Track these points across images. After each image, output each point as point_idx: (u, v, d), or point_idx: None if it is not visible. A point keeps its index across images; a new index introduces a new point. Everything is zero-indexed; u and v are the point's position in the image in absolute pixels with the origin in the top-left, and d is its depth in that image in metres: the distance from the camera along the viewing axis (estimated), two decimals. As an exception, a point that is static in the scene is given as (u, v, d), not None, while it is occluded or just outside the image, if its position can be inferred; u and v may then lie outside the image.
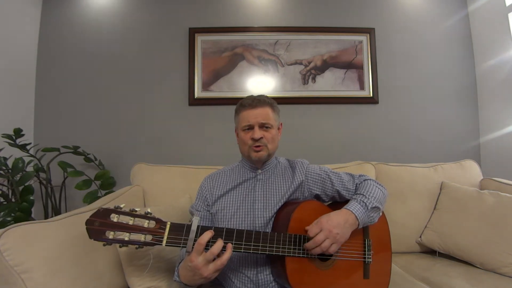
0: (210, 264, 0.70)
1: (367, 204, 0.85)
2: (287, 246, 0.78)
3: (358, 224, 0.83)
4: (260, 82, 1.88)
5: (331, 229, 0.76)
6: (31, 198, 1.42)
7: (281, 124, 1.04)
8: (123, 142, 1.83)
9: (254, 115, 0.93)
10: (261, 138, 0.92)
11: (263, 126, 0.94)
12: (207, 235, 0.71)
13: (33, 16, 1.81)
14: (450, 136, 1.92)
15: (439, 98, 1.93)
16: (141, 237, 0.69)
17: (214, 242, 0.71)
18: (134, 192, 1.29)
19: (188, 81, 1.85)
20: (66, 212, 1.11)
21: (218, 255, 0.70)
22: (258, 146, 0.93)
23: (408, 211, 1.41)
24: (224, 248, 0.71)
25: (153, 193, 1.34)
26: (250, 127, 0.94)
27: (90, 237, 0.66)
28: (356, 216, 0.82)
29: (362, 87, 1.90)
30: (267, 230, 0.88)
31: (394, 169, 1.49)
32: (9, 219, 1.27)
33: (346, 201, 0.93)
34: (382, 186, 0.95)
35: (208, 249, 0.71)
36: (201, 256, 0.69)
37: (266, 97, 0.98)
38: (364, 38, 1.92)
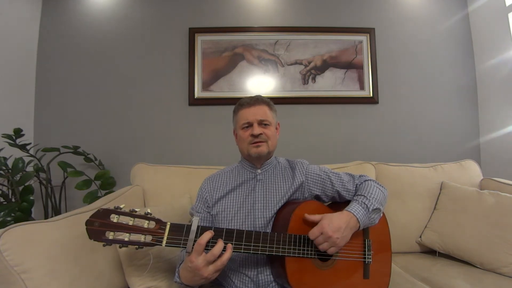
0: (210, 265, 0.70)
1: (368, 206, 0.85)
2: (287, 246, 0.78)
3: (359, 227, 0.83)
4: (260, 82, 1.87)
5: (331, 234, 0.76)
6: (31, 198, 1.41)
7: (279, 124, 1.05)
8: (123, 142, 1.83)
9: (253, 112, 0.95)
10: (261, 134, 0.93)
11: (262, 123, 0.95)
12: (207, 235, 0.71)
13: (33, 16, 1.81)
14: (450, 136, 1.92)
15: (439, 98, 1.93)
16: (141, 238, 0.69)
17: (215, 243, 0.71)
18: (134, 192, 1.29)
19: (188, 81, 1.84)
20: (66, 212, 1.11)
21: (219, 256, 0.70)
22: (258, 142, 0.93)
23: (408, 211, 1.41)
24: (224, 249, 0.71)
25: (153, 193, 1.33)
26: (249, 125, 0.95)
27: (90, 238, 0.66)
28: (357, 219, 0.82)
29: (362, 87, 1.90)
30: (267, 231, 0.88)
31: (394, 169, 1.49)
32: (9, 219, 1.27)
33: (346, 201, 0.93)
34: (382, 186, 0.95)
35: (207, 249, 0.71)
36: (201, 256, 0.69)
37: (263, 97, 1.00)
38: (364, 38, 1.91)
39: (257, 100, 0.97)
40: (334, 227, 0.77)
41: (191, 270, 0.71)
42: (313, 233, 0.77)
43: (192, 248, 0.70)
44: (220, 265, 0.70)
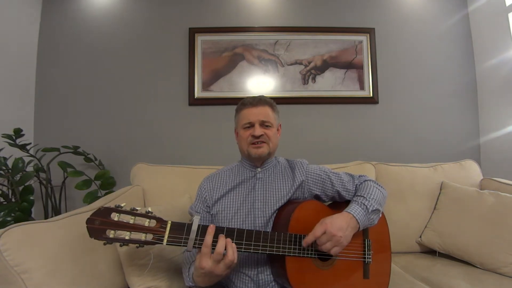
0: (221, 263, 0.70)
1: (368, 206, 0.85)
2: (287, 246, 0.78)
3: (359, 228, 0.83)
4: (260, 82, 1.88)
5: (334, 232, 0.76)
6: (31, 198, 1.41)
7: (280, 125, 1.05)
8: (123, 142, 1.82)
9: (255, 113, 0.94)
10: (262, 135, 0.93)
11: (264, 124, 0.95)
12: (210, 235, 0.70)
13: (33, 16, 1.81)
14: (450, 136, 1.92)
15: (439, 98, 1.93)
16: (141, 236, 0.69)
17: (216, 241, 0.71)
18: (134, 192, 1.29)
19: (188, 81, 1.84)
20: (66, 212, 1.11)
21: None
22: (259, 143, 0.93)
23: (408, 211, 1.41)
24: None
25: (153, 193, 1.33)
26: (251, 125, 0.95)
27: (91, 236, 0.66)
28: (357, 220, 0.82)
29: (362, 87, 1.90)
30: (268, 229, 0.88)
31: (394, 169, 1.49)
32: (9, 219, 1.27)
33: (346, 201, 0.93)
34: (381, 187, 0.95)
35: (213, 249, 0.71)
36: (210, 259, 0.69)
37: (266, 97, 1.00)
38: (364, 38, 1.92)
39: (260, 101, 0.97)
40: (337, 226, 0.78)
41: (205, 274, 0.71)
42: (316, 230, 0.77)
43: (193, 247, 0.71)
44: (229, 262, 0.70)
